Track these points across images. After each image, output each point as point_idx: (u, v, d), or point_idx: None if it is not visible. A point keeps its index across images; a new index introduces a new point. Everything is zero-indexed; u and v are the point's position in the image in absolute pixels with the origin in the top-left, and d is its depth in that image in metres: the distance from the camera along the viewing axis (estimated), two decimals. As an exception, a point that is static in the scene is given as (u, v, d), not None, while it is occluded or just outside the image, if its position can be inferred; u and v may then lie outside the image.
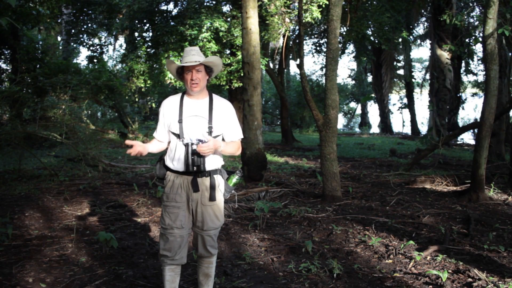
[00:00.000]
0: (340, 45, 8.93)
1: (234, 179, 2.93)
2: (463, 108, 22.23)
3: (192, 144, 2.71)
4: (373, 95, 25.35)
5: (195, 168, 2.74)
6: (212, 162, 2.84)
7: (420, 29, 24.26)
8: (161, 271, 2.94)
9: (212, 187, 2.82)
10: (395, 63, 23.67)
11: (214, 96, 2.93)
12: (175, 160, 2.82)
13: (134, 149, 2.76)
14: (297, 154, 12.57)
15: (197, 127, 2.80)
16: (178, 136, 2.80)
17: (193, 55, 2.78)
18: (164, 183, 2.91)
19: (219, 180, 2.89)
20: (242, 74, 8.31)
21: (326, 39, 13.24)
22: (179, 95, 2.92)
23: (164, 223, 2.85)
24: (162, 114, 2.88)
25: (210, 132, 2.80)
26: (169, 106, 2.88)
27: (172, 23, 12.48)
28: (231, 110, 2.94)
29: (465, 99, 23.07)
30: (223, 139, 2.91)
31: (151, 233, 4.77)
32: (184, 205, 2.83)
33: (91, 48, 15.40)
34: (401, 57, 24.15)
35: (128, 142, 2.76)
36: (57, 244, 4.34)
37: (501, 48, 9.67)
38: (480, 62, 20.53)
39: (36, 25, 11.92)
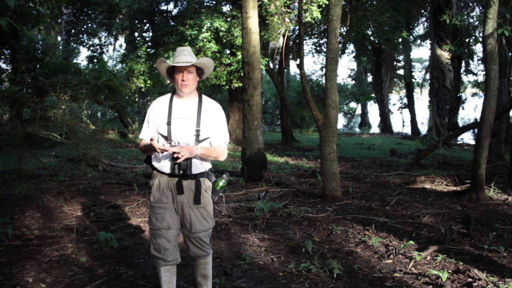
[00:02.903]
0: (340, 45, 8.94)
1: (221, 182, 2.87)
2: (463, 108, 22.21)
3: None
4: (373, 95, 25.35)
5: (181, 171, 2.72)
6: (199, 166, 2.81)
7: (420, 29, 24.27)
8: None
9: (198, 190, 2.79)
10: (395, 63, 23.67)
11: (204, 97, 2.89)
12: (162, 162, 2.80)
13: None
14: (297, 154, 12.57)
15: (184, 129, 2.78)
16: (165, 138, 2.78)
17: (185, 56, 2.74)
18: (150, 183, 2.90)
19: (206, 183, 2.86)
20: (242, 74, 8.31)
21: (326, 39, 13.26)
22: (168, 95, 2.88)
23: (152, 224, 2.84)
24: (152, 116, 2.84)
25: (197, 136, 2.78)
26: (158, 108, 2.84)
27: (172, 23, 12.48)
28: (220, 113, 2.90)
29: (465, 99, 23.04)
30: (210, 143, 2.88)
31: (151, 233, 4.77)
32: (170, 206, 2.81)
33: (91, 48, 15.40)
34: (401, 57, 24.14)
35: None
36: (57, 244, 4.34)
37: (501, 48, 9.67)
38: (480, 62, 20.52)
39: (36, 25, 11.92)
